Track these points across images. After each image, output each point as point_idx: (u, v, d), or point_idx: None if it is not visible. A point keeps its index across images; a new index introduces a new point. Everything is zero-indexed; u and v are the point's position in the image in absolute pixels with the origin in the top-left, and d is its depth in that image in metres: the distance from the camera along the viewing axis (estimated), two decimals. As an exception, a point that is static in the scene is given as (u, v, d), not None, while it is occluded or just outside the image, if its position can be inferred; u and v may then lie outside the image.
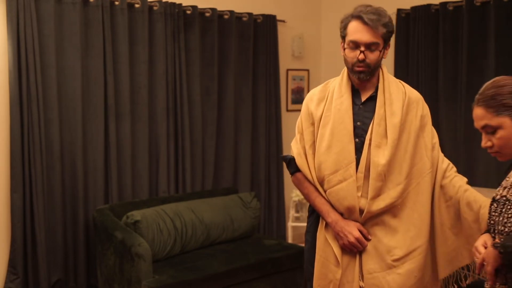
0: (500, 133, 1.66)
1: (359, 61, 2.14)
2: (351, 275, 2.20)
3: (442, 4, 4.15)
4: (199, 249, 3.87)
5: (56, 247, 3.69)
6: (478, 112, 1.70)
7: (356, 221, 2.20)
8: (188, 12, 4.19)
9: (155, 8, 4.02)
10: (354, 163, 2.17)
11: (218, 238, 3.97)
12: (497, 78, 1.72)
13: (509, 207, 1.62)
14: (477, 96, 1.72)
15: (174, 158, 4.20)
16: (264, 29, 4.63)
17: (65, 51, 3.68)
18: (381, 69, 2.24)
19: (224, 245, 3.97)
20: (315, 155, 2.26)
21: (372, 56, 2.14)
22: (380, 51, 2.15)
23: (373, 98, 2.22)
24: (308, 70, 5.08)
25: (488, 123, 1.67)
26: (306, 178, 2.30)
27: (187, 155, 4.22)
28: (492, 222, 1.71)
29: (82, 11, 3.70)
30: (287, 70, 4.96)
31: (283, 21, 4.82)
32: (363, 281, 2.18)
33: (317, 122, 2.26)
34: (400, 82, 2.29)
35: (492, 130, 1.67)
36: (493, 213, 1.71)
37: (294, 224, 4.77)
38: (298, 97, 5.02)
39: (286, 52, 4.91)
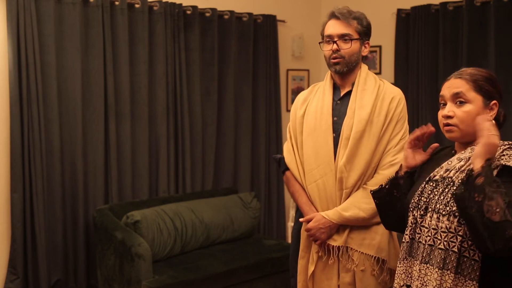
0: (468, 107, 1.70)
1: (333, 52, 2.30)
2: (331, 272, 2.28)
3: (442, 4, 4.15)
4: (199, 249, 3.87)
5: (56, 247, 3.69)
6: (457, 81, 1.74)
7: None
8: (188, 12, 4.19)
9: (155, 8, 4.02)
10: (333, 157, 2.27)
11: (218, 238, 3.97)
12: (476, 67, 1.79)
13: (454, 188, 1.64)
14: (456, 72, 1.77)
15: (174, 158, 4.20)
16: (264, 29, 4.63)
17: (65, 51, 3.68)
18: (360, 68, 2.37)
19: (224, 245, 3.97)
20: (298, 152, 2.38)
21: (345, 46, 2.29)
22: (353, 43, 2.28)
23: (349, 94, 2.33)
24: (308, 70, 5.08)
25: (464, 92, 1.70)
26: (293, 176, 2.40)
27: (187, 155, 4.22)
28: (425, 200, 1.71)
29: (82, 11, 3.71)
30: (287, 70, 4.96)
31: (283, 21, 4.82)
32: (339, 279, 2.27)
33: (299, 119, 2.39)
34: (381, 80, 2.38)
35: (461, 101, 1.70)
36: (430, 192, 1.71)
37: (294, 224, 4.77)
38: (298, 97, 5.02)
39: (286, 52, 4.91)
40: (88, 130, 3.81)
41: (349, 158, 2.23)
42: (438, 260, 1.62)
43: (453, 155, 1.79)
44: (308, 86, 5.08)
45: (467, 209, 1.52)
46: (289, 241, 4.73)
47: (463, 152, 1.73)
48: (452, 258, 1.60)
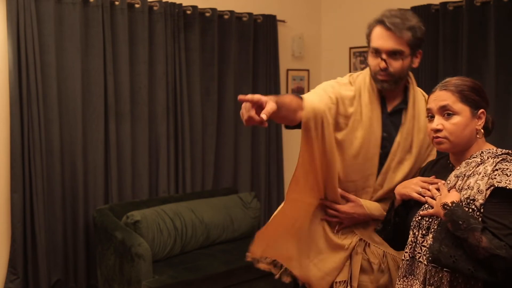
0: (456, 119, 1.69)
1: (381, 69, 1.99)
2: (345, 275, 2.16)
3: (442, 4, 4.15)
4: (199, 249, 3.87)
5: (56, 247, 3.69)
6: (442, 94, 1.72)
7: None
8: (188, 12, 4.19)
9: (155, 8, 4.02)
10: (375, 175, 2.08)
11: (218, 238, 3.97)
12: (460, 77, 1.77)
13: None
14: (441, 84, 1.75)
15: (174, 158, 4.20)
16: (264, 29, 4.63)
17: (65, 51, 3.68)
18: (410, 78, 2.11)
19: (224, 245, 3.98)
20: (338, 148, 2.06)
21: (395, 65, 1.98)
22: (405, 59, 1.98)
23: (400, 109, 2.09)
24: (308, 70, 5.08)
25: (451, 104, 1.69)
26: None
27: (187, 155, 4.23)
28: (427, 219, 1.70)
29: (82, 11, 3.70)
30: (287, 70, 4.96)
31: (283, 21, 4.82)
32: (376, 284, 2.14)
33: (345, 116, 2.05)
34: (421, 91, 2.19)
35: (449, 113, 1.70)
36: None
37: (294, 224, 4.76)
38: (298, 97, 5.01)
39: (286, 52, 4.91)
40: (88, 130, 3.81)
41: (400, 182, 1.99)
42: (446, 283, 1.61)
43: (451, 169, 1.78)
44: (308, 86, 5.08)
45: (448, 265, 1.56)
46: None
47: (458, 168, 1.72)
48: (460, 281, 1.59)
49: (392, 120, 2.08)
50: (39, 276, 3.59)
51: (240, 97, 1.62)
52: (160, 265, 3.54)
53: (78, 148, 3.75)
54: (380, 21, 1.98)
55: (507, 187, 1.56)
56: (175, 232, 3.69)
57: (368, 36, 2.05)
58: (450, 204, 1.60)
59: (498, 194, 1.58)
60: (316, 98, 1.99)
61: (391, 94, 2.09)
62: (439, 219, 1.65)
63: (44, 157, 3.58)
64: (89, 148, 3.82)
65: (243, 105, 1.65)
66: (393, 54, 1.97)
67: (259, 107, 1.64)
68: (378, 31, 1.99)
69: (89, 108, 3.81)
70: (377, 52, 1.99)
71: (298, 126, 1.97)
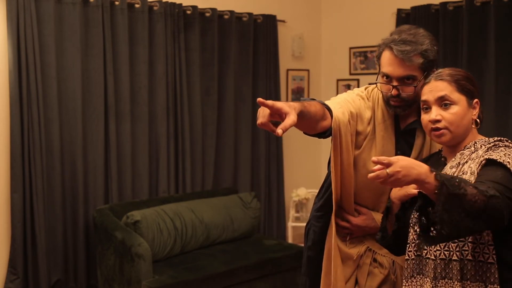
0: (455, 109, 1.68)
1: (392, 95, 1.92)
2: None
3: (442, 4, 4.15)
4: (199, 249, 3.87)
5: (56, 247, 3.69)
6: (438, 84, 1.70)
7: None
8: (188, 12, 4.19)
9: (155, 8, 4.02)
10: (388, 193, 2.02)
11: (218, 238, 3.97)
12: (451, 67, 1.76)
13: None
14: (435, 74, 1.73)
15: (174, 158, 4.20)
16: (264, 29, 4.63)
17: (65, 51, 3.68)
18: None
19: (224, 245, 3.98)
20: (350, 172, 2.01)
21: (407, 90, 1.90)
22: (418, 83, 1.89)
23: (414, 128, 2.02)
24: (308, 70, 5.08)
25: (448, 94, 1.68)
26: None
27: (187, 155, 4.23)
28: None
29: (82, 11, 3.71)
30: (287, 70, 4.96)
31: (283, 21, 4.82)
32: None
33: (361, 134, 2.02)
34: None
35: (447, 104, 1.68)
36: None
37: (294, 224, 4.77)
38: (298, 97, 5.02)
39: (286, 52, 4.91)
40: (88, 130, 3.81)
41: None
42: (456, 273, 1.59)
43: (443, 163, 1.76)
44: (308, 86, 5.08)
45: (452, 233, 1.46)
46: (289, 241, 4.74)
47: (453, 159, 1.71)
48: (469, 267, 1.58)
49: (405, 138, 2.03)
50: (39, 276, 3.59)
51: (260, 100, 1.50)
52: (160, 265, 3.54)
53: (78, 148, 3.75)
54: (388, 47, 1.90)
55: (498, 160, 1.53)
56: (175, 232, 3.69)
57: (378, 58, 1.98)
58: (432, 174, 1.51)
59: (488, 166, 1.55)
60: (340, 111, 1.93)
61: (404, 112, 2.03)
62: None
63: (44, 157, 3.58)
64: (89, 148, 3.82)
65: (262, 109, 1.54)
66: (404, 80, 1.90)
67: (278, 115, 1.54)
68: (387, 56, 1.91)
69: (89, 108, 3.81)
70: (388, 77, 1.93)
71: (316, 134, 1.91)
